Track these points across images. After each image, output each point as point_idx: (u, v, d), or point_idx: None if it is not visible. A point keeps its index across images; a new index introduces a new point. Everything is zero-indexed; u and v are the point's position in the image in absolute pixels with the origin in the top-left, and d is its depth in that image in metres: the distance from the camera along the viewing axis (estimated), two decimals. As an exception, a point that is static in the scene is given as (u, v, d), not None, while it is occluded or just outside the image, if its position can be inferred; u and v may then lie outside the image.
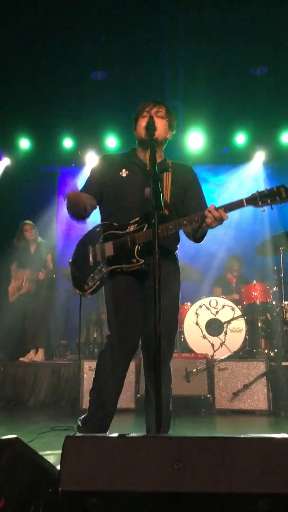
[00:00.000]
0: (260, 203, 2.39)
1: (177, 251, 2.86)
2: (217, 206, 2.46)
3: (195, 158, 8.02)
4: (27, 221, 6.93)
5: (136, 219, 2.66)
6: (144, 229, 2.61)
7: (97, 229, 2.80)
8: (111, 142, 8.05)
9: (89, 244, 2.78)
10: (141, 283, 2.66)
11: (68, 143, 8.25)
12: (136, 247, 2.61)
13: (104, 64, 7.06)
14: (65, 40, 6.65)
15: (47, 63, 6.87)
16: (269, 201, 2.37)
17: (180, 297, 2.83)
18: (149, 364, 2.66)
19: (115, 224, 2.74)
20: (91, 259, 2.74)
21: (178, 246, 2.87)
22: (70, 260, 2.88)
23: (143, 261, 2.58)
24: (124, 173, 2.78)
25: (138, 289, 2.67)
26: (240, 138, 7.99)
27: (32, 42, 6.55)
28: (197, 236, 2.71)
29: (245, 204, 2.42)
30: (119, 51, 6.82)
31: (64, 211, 8.66)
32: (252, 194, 2.42)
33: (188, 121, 7.80)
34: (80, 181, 8.28)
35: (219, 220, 2.44)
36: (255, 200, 2.40)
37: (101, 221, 2.87)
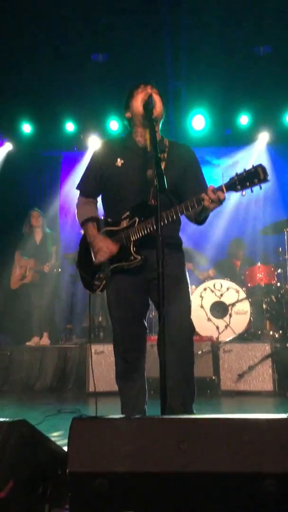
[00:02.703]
0: (239, 187, 2.26)
1: (178, 233, 2.80)
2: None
3: (198, 140, 7.96)
4: (35, 209, 6.97)
5: (127, 213, 2.62)
6: (136, 224, 2.57)
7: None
8: (114, 125, 7.98)
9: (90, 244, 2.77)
10: (142, 277, 2.66)
11: (70, 127, 8.19)
12: (131, 244, 2.59)
13: (105, 46, 6.96)
14: (65, 22, 6.55)
15: (47, 46, 6.78)
16: (247, 184, 2.24)
17: (185, 281, 2.76)
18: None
19: (109, 220, 2.73)
20: (94, 259, 2.72)
21: (179, 227, 2.80)
22: (76, 262, 2.88)
23: (140, 257, 2.57)
24: (119, 162, 2.71)
25: (139, 286, 2.68)
26: (244, 119, 7.90)
27: (32, 25, 6.46)
28: (201, 219, 2.65)
29: (224, 190, 2.30)
30: (120, 33, 6.71)
31: (65, 195, 8.65)
32: (230, 179, 2.30)
33: (190, 102, 7.72)
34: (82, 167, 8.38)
35: (217, 202, 2.35)
36: (234, 185, 2.28)
37: (104, 212, 2.85)
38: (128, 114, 2.78)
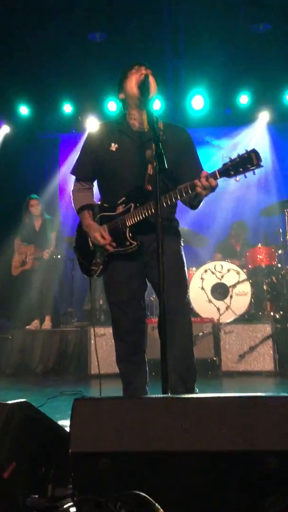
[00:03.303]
0: (232, 173, 2.26)
1: (174, 215, 2.80)
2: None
3: (197, 120, 7.87)
4: (33, 196, 6.89)
5: (122, 198, 2.62)
6: (132, 210, 2.58)
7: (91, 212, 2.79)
8: (112, 106, 7.89)
9: None
10: (139, 261, 2.67)
11: (67, 108, 8.09)
12: (127, 229, 2.59)
13: (103, 25, 6.84)
14: (63, 2, 6.44)
15: (43, 26, 6.67)
16: (241, 169, 2.25)
17: (181, 260, 2.76)
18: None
19: (105, 205, 2.73)
20: (90, 244, 2.73)
21: (175, 210, 2.80)
22: (74, 246, 2.89)
23: (136, 243, 2.58)
24: (113, 147, 2.69)
25: (136, 270, 2.69)
26: (244, 99, 7.79)
27: (28, 5, 6.35)
28: (194, 203, 2.65)
29: (218, 176, 2.31)
30: (118, 11, 6.60)
31: (63, 178, 8.60)
32: (224, 164, 2.30)
33: (189, 82, 7.62)
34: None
35: (209, 189, 2.35)
36: (228, 171, 2.28)
37: (100, 196, 2.84)
38: (121, 96, 2.77)
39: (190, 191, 2.39)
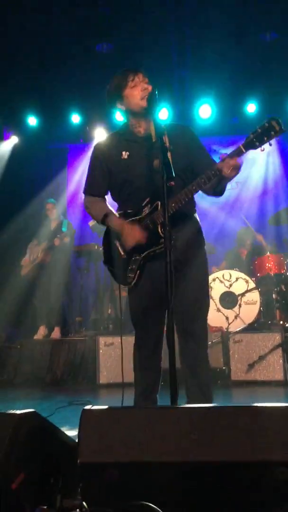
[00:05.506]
0: (258, 143, 2.27)
1: (196, 213, 2.80)
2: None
3: (204, 129, 7.88)
4: (50, 200, 7.00)
5: (147, 200, 2.61)
6: (159, 207, 2.55)
7: None
8: (119, 116, 7.93)
9: (114, 239, 2.73)
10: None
11: (75, 118, 8.15)
12: (159, 226, 2.56)
13: (109, 36, 6.91)
14: (69, 12, 6.52)
15: (51, 37, 6.75)
16: (265, 138, 2.25)
17: (205, 268, 2.88)
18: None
19: (129, 211, 2.70)
20: (122, 252, 2.68)
21: (195, 209, 2.81)
22: (103, 260, 2.83)
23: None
24: (125, 155, 2.69)
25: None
26: (251, 107, 7.81)
27: (36, 17, 6.43)
28: (219, 189, 2.64)
29: (243, 150, 2.32)
30: (124, 22, 6.67)
31: (72, 188, 8.65)
32: (246, 138, 2.31)
33: (197, 91, 7.65)
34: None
35: (237, 168, 2.36)
36: (252, 142, 2.29)
37: (117, 207, 2.82)
38: (122, 106, 2.71)
39: (216, 175, 2.39)
